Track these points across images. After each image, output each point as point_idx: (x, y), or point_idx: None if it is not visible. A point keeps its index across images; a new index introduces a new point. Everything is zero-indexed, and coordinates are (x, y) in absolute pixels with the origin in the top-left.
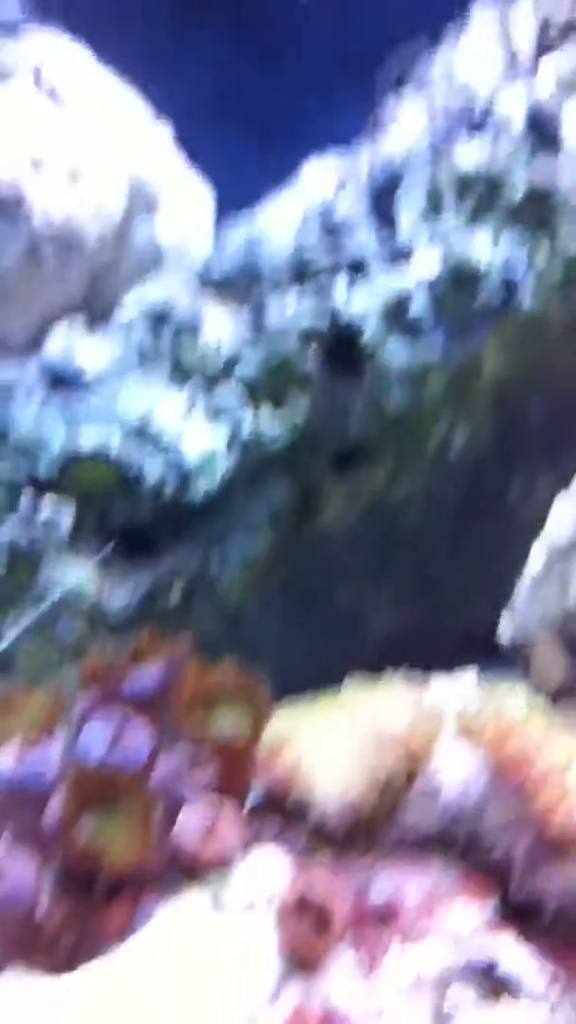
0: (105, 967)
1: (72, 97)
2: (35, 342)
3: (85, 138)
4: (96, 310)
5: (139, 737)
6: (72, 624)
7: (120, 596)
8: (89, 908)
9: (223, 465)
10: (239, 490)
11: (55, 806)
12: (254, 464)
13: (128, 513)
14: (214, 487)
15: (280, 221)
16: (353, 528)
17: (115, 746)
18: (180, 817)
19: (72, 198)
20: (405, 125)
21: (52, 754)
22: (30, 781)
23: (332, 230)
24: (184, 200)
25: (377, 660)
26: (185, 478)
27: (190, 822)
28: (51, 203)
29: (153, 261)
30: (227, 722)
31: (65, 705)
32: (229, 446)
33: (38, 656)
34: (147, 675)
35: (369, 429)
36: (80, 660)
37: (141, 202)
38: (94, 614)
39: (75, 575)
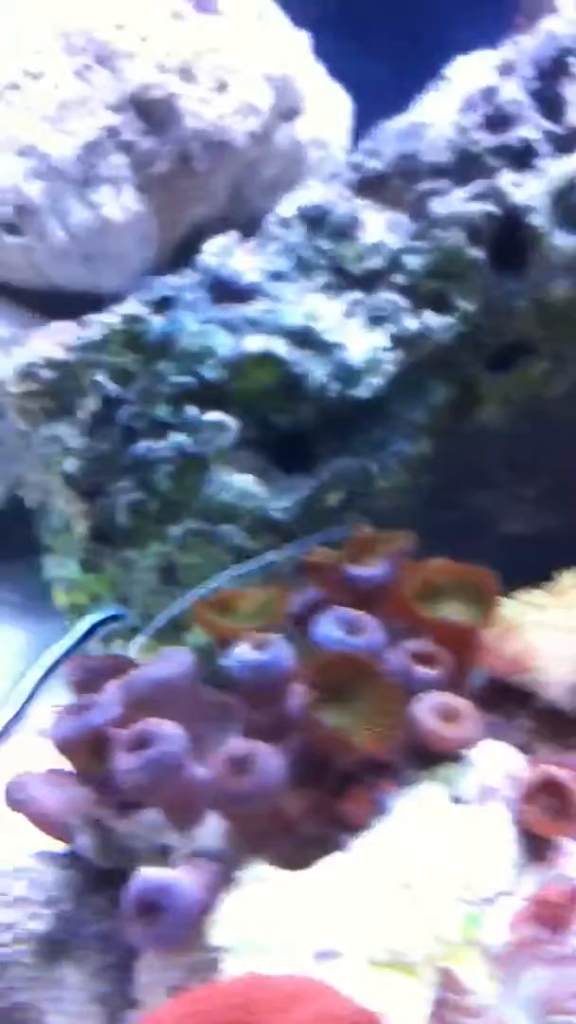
0: (346, 859)
1: (219, 4)
2: (187, 251)
3: (232, 44)
4: (239, 217)
5: (370, 626)
6: (236, 529)
7: (282, 501)
8: (329, 798)
9: (386, 366)
10: (400, 391)
11: (296, 694)
12: (416, 364)
13: (291, 418)
14: (378, 388)
15: (438, 112)
16: (506, 428)
17: (349, 635)
18: (417, 705)
19: (221, 102)
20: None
21: (284, 646)
22: (265, 672)
23: (495, 118)
24: (324, 106)
25: (510, 565)
26: (349, 379)
27: (428, 709)
28: (201, 108)
29: (295, 166)
30: (453, 611)
31: (289, 600)
32: (391, 346)
33: (203, 563)
34: (372, 568)
35: (531, 324)
36: (242, 565)
37: (285, 107)
38: (257, 519)
39: (239, 482)
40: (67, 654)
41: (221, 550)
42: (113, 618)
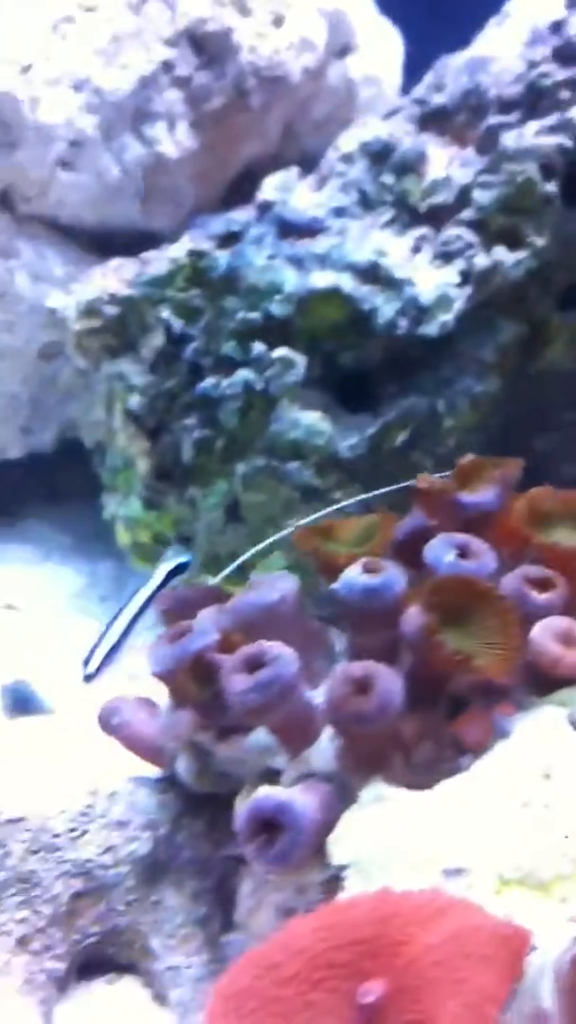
0: (468, 779)
1: None
2: (238, 188)
3: None
4: (290, 155)
5: (483, 551)
6: (302, 467)
7: (349, 439)
8: (443, 721)
9: (456, 303)
10: (469, 329)
11: (412, 617)
12: (485, 302)
13: (357, 356)
14: (447, 325)
15: (502, 47)
16: (572, 369)
17: (463, 558)
18: (535, 629)
19: (277, 37)
20: None
21: (396, 570)
22: (377, 596)
23: (565, 50)
24: (376, 44)
25: None
26: (418, 316)
27: (546, 633)
28: (257, 42)
29: (346, 105)
30: (562, 537)
31: (395, 526)
32: (460, 283)
33: (268, 501)
34: (481, 494)
35: None
36: (309, 504)
37: (338, 44)
38: (324, 457)
39: (306, 419)
40: (148, 602)
41: (287, 488)
42: (184, 566)
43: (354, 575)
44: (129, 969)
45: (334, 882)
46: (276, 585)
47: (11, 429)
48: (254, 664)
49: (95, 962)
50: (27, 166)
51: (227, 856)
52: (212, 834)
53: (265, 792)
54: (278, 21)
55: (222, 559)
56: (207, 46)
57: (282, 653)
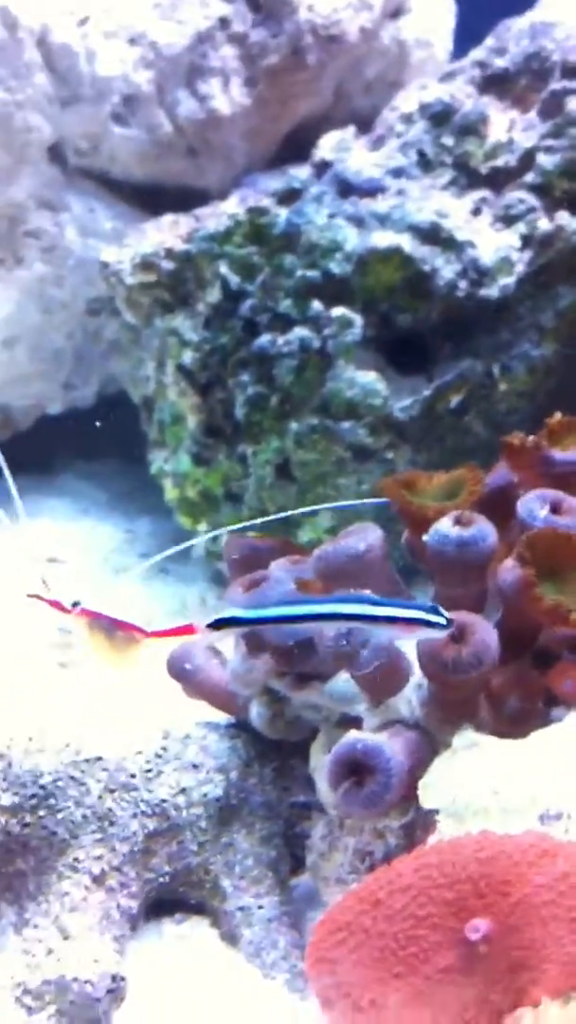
0: (563, 729)
1: None
2: (289, 147)
3: None
4: (341, 115)
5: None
6: (356, 426)
7: (403, 400)
8: (533, 674)
9: (517, 266)
10: (529, 293)
11: (509, 569)
12: (546, 266)
13: (414, 317)
14: (507, 288)
15: (567, 11)
16: None
17: (555, 514)
18: None
19: None
20: None
21: (487, 523)
22: (470, 548)
23: None
24: (429, 6)
25: None
26: (479, 278)
27: None
28: (315, 1)
29: (397, 66)
30: None
31: (481, 481)
32: (522, 247)
33: (320, 459)
34: (573, 451)
35: None
36: (361, 463)
37: (392, 5)
38: (379, 417)
39: (363, 378)
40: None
41: (340, 447)
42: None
43: (446, 527)
44: (197, 909)
45: (413, 827)
46: (364, 535)
47: (54, 384)
48: None
49: (166, 901)
50: (81, 120)
51: (295, 802)
52: (280, 780)
53: (354, 735)
54: None
55: (270, 516)
56: (264, 3)
57: None
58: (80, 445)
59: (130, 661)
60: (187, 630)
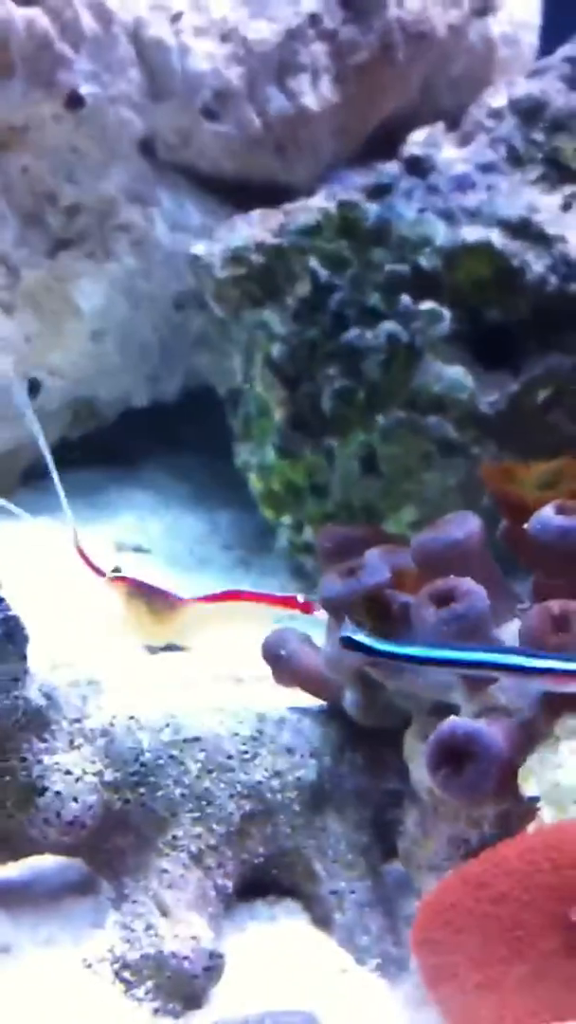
0: None
1: None
2: (375, 143)
3: None
4: (427, 111)
5: None
6: (443, 421)
7: (489, 395)
8: None
9: None
10: None
11: None
12: None
13: (503, 311)
14: None
15: None
16: None
17: None
18: None
19: None
20: None
21: None
22: (572, 536)
23: None
24: (516, 4)
25: None
26: (569, 273)
27: None
28: None
29: (483, 63)
30: None
31: None
32: None
33: (406, 453)
34: None
35: None
36: (446, 458)
37: (479, 3)
38: (466, 412)
39: (451, 372)
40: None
41: (426, 441)
42: None
43: (548, 515)
44: (289, 892)
45: (509, 816)
46: (463, 523)
47: (139, 377)
48: (443, 598)
49: (257, 883)
50: (172, 114)
51: (386, 789)
52: (371, 767)
53: (455, 720)
54: None
55: (355, 509)
56: (357, 2)
57: (473, 588)
58: (162, 437)
59: (166, 630)
60: (226, 596)
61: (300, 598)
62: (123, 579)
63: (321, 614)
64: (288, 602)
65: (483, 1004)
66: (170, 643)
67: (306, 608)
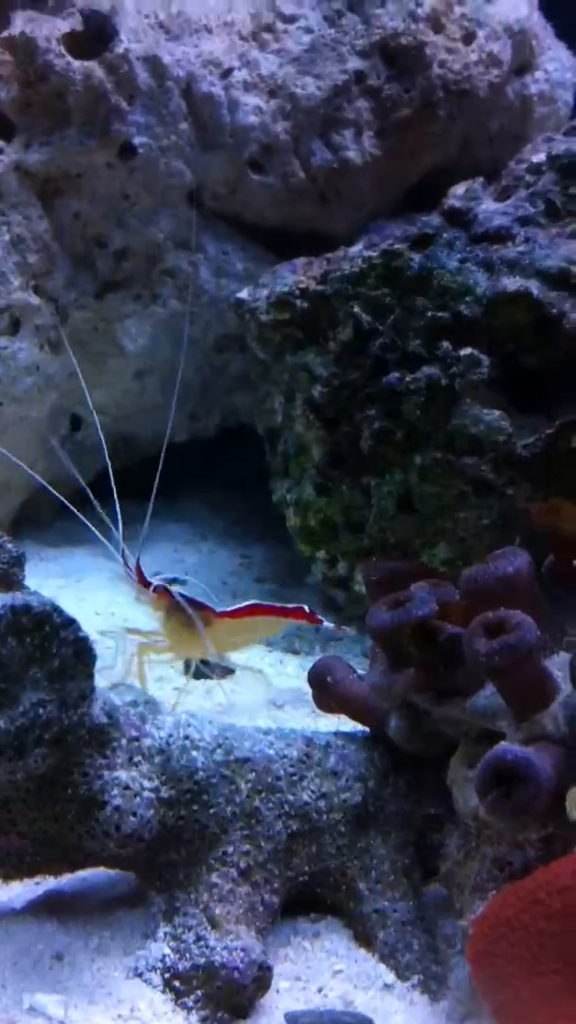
0: None
1: None
2: (415, 196)
3: None
4: (465, 166)
5: None
6: (479, 461)
7: (525, 437)
8: None
9: None
10: None
11: None
12: None
13: (539, 358)
14: None
15: None
16: None
17: None
18: None
19: (467, 52)
20: None
21: None
22: None
23: None
24: (553, 64)
25: None
26: None
27: None
28: (448, 57)
29: (520, 120)
30: None
31: None
32: None
33: (442, 492)
34: None
35: None
36: (481, 498)
37: (519, 61)
38: (502, 453)
39: (489, 415)
40: None
41: (462, 481)
42: None
43: None
44: (332, 910)
45: (552, 840)
46: (513, 559)
47: (181, 415)
48: (494, 629)
49: (302, 900)
50: (220, 166)
51: (427, 813)
52: (413, 792)
53: (505, 746)
54: (468, 37)
55: (390, 546)
56: (399, 58)
57: (525, 619)
58: (199, 472)
59: (201, 643)
60: (249, 610)
61: (307, 609)
62: (166, 593)
63: (330, 626)
64: (298, 614)
65: (537, 1013)
66: (204, 658)
67: (313, 619)
